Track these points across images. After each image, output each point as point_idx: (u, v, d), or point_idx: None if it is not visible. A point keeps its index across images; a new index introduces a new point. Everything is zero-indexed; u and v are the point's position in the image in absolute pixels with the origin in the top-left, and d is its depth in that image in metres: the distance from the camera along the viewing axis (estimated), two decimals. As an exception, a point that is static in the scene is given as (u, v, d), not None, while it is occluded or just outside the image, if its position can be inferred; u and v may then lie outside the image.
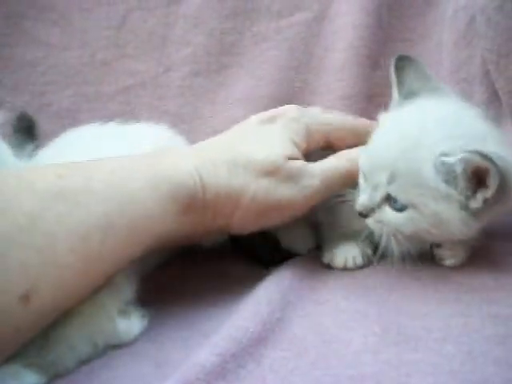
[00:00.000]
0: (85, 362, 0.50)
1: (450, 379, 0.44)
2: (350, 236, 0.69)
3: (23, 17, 1.14)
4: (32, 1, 1.13)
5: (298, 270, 0.65)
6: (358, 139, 0.67)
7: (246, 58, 1.07)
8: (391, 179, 0.59)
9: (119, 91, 1.12)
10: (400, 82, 0.65)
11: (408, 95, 0.64)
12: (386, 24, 1.01)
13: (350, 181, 0.65)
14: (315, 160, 0.66)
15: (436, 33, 0.97)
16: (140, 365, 0.50)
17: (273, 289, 0.59)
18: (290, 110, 0.69)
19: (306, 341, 0.50)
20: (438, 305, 0.56)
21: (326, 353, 0.48)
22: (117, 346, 0.53)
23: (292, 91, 1.04)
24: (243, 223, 0.63)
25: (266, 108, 1.03)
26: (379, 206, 0.62)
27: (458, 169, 0.56)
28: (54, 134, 0.82)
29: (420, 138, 0.58)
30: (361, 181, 0.64)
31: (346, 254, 0.68)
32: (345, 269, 0.67)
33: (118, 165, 0.56)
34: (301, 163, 0.64)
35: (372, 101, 0.96)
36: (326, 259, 0.69)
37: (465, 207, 0.58)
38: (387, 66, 0.69)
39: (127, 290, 0.57)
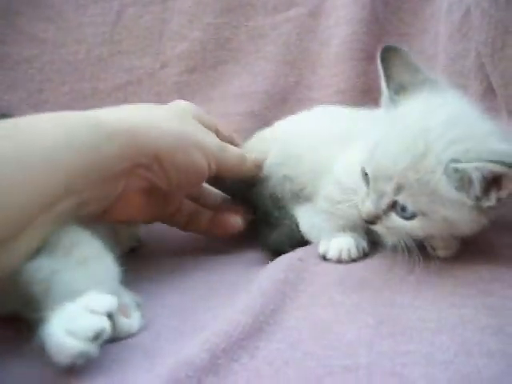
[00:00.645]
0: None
1: (444, 370, 0.44)
2: (347, 228, 0.69)
3: (18, 14, 1.14)
4: (27, -2, 1.14)
5: (293, 263, 0.65)
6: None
7: (242, 54, 1.08)
8: (399, 189, 0.58)
9: (116, 88, 1.12)
10: (388, 76, 0.64)
11: (398, 89, 0.63)
12: (382, 18, 1.01)
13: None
14: None
15: (432, 27, 0.97)
16: (132, 355, 0.50)
17: (267, 281, 0.59)
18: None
19: (300, 332, 0.51)
20: (432, 297, 0.56)
21: (320, 344, 0.48)
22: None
23: (288, 86, 1.05)
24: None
25: (262, 103, 1.05)
26: (385, 213, 0.61)
27: (475, 175, 0.55)
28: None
29: (425, 146, 0.57)
30: (362, 185, 0.63)
31: (341, 246, 0.68)
32: (339, 261, 0.67)
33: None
34: None
35: (367, 95, 0.97)
36: (321, 251, 0.69)
37: (476, 208, 0.57)
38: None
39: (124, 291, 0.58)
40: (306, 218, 0.74)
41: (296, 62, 1.05)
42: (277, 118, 0.89)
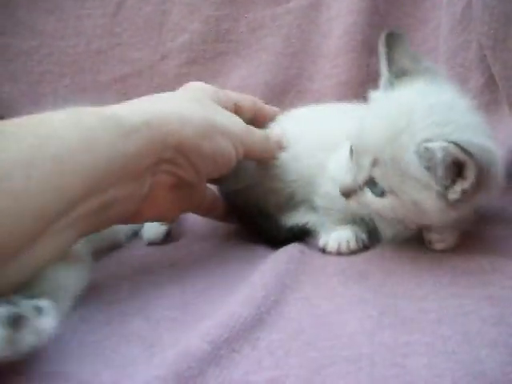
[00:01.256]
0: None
1: (445, 360, 0.44)
2: (346, 221, 0.69)
3: (17, 6, 1.14)
4: (26, -11, 1.13)
5: (294, 255, 0.65)
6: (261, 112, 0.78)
7: (242, 46, 1.07)
8: (375, 163, 0.59)
9: (116, 80, 1.12)
10: (390, 59, 0.64)
11: (399, 74, 0.63)
12: (383, 10, 1.00)
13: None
14: None
15: (434, 18, 0.97)
16: (131, 345, 0.50)
17: (268, 273, 0.59)
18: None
19: (301, 323, 0.51)
20: (433, 288, 0.56)
21: (321, 334, 0.48)
22: (108, 325, 0.53)
23: (288, 78, 1.04)
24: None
25: (263, 95, 1.04)
26: (361, 188, 0.62)
27: (438, 156, 0.55)
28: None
29: (406, 124, 0.57)
30: (348, 161, 0.64)
31: (340, 238, 0.68)
32: (339, 253, 0.67)
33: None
34: None
35: (368, 87, 0.96)
36: (321, 244, 0.69)
37: (443, 197, 0.57)
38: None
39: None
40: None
41: (296, 53, 1.04)
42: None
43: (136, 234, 0.84)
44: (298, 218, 0.74)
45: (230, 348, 0.46)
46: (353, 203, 0.64)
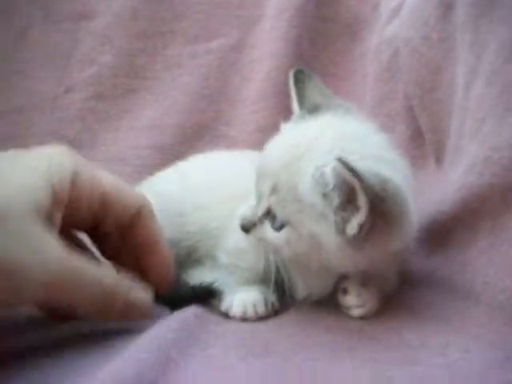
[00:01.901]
0: None
1: None
2: (254, 281, 0.60)
3: None
4: None
5: (187, 321, 0.54)
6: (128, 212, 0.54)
7: (156, 83, 0.99)
8: (273, 190, 0.54)
9: (14, 110, 1.02)
10: (301, 95, 0.61)
11: (312, 110, 0.59)
12: (309, 56, 0.95)
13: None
14: None
15: (361, 67, 0.92)
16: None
17: (153, 342, 0.48)
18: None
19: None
20: (350, 366, 0.47)
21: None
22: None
23: (204, 121, 0.96)
24: None
25: (174, 138, 0.95)
26: (261, 221, 0.56)
27: (330, 179, 0.50)
28: None
29: (306, 150, 0.53)
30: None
31: (246, 301, 0.59)
32: (244, 319, 0.58)
33: None
34: None
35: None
36: (223, 307, 0.60)
37: (341, 232, 0.50)
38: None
39: None
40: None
41: (214, 95, 0.96)
42: (190, 154, 0.79)
43: None
44: (202, 275, 0.64)
45: None
46: (252, 239, 0.58)
